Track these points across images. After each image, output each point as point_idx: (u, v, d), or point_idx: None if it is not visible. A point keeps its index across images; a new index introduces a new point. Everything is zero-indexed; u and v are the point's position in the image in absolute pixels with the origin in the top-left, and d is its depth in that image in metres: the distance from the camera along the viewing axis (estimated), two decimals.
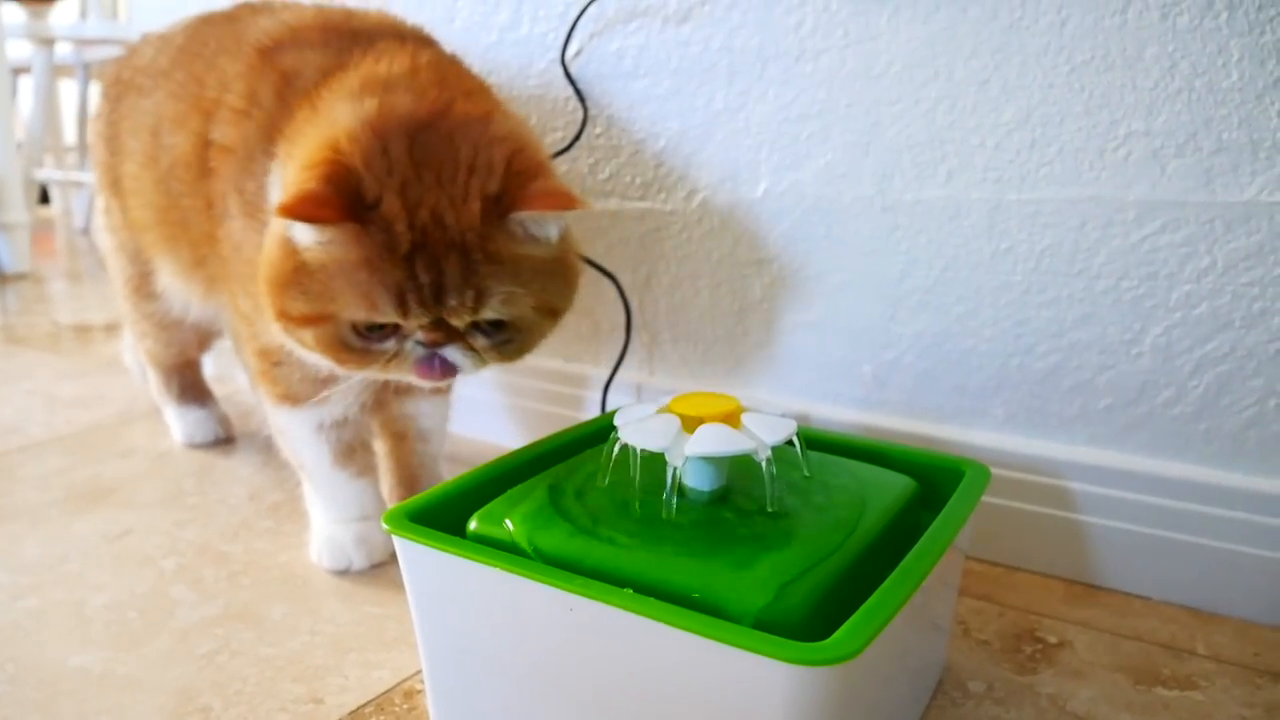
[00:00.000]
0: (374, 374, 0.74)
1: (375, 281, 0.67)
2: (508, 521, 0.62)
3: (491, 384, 1.27)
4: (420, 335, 0.71)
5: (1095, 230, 0.83)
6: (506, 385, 1.25)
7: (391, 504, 0.85)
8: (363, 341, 0.71)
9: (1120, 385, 0.85)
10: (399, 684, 0.73)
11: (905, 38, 0.88)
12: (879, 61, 0.90)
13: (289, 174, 0.73)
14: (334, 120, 0.72)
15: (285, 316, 0.71)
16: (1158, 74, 0.78)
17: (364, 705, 0.70)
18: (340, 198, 0.66)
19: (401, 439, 1.01)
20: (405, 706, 0.70)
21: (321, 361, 0.76)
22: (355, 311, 0.69)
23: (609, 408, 1.13)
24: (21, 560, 0.94)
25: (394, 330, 0.71)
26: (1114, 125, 0.81)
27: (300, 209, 0.65)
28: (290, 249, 0.70)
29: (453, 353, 0.72)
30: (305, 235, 0.69)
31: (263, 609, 0.84)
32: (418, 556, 0.62)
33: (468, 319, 0.70)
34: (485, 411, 1.28)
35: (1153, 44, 0.78)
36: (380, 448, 1.02)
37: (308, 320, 0.71)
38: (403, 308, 0.68)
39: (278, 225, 0.71)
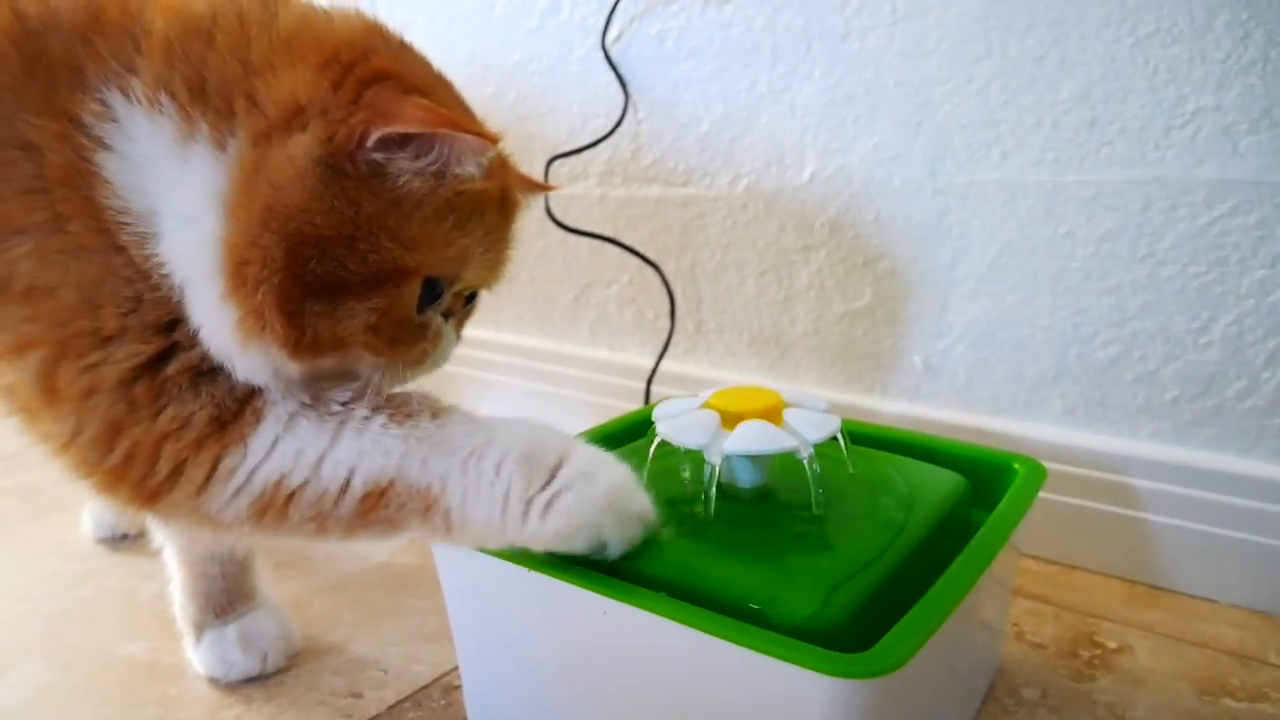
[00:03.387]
0: (408, 368, 0.58)
1: (473, 218, 0.54)
2: None
3: (532, 373, 1.26)
4: (448, 301, 0.58)
5: (1160, 213, 0.79)
6: (549, 375, 1.24)
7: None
8: (420, 314, 0.55)
9: (1187, 377, 0.81)
10: (438, 679, 0.72)
11: (956, 12, 0.85)
12: (929, 38, 0.87)
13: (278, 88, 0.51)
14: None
15: (321, 285, 0.50)
16: (1229, 45, 0.74)
17: (402, 700, 0.70)
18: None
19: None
20: (443, 702, 0.69)
21: (323, 365, 0.54)
22: (445, 263, 0.54)
23: (653, 398, 1.11)
24: (77, 549, 0.95)
25: (438, 296, 0.56)
26: (1181, 101, 0.77)
27: (456, 123, 0.50)
28: (347, 186, 0.50)
29: (449, 329, 0.60)
30: (407, 161, 0.51)
31: (306, 601, 0.84)
32: (453, 555, 0.61)
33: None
34: (527, 400, 1.27)
35: (1224, 12, 0.74)
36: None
37: (371, 284, 0.51)
38: (485, 255, 0.56)
39: (302, 154, 0.49)
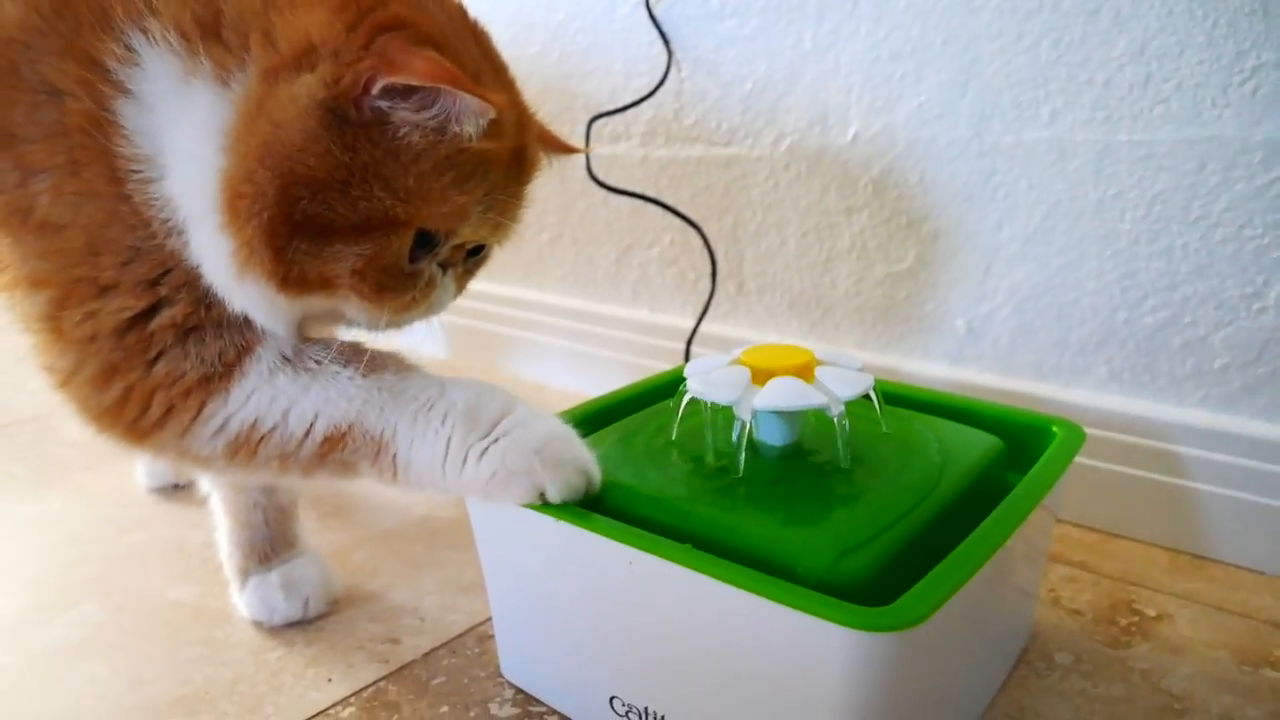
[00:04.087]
0: (394, 315, 0.57)
1: (474, 178, 0.54)
2: None
3: (573, 334, 1.27)
4: (446, 254, 0.58)
5: (1215, 174, 0.77)
6: (590, 335, 1.25)
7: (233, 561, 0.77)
8: (411, 264, 0.55)
9: (1239, 343, 0.79)
10: (472, 628, 0.74)
11: None
12: None
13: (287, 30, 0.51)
14: None
15: (309, 226, 0.51)
16: None
17: (437, 648, 0.71)
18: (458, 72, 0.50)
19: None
20: (477, 650, 0.71)
21: (318, 305, 0.56)
22: (438, 219, 0.54)
23: (694, 359, 1.11)
24: (131, 496, 0.99)
25: (434, 247, 0.56)
26: (1240, 57, 0.74)
27: (459, 80, 0.49)
28: (346, 131, 0.50)
29: (447, 280, 0.60)
30: (409, 113, 0.50)
31: (348, 551, 0.86)
32: (485, 506, 0.62)
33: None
34: (567, 360, 1.28)
35: None
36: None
37: (360, 230, 0.51)
38: (486, 214, 0.56)
39: (306, 94, 0.49)
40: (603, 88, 1.15)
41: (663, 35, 1.07)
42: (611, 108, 1.13)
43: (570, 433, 0.59)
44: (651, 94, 1.09)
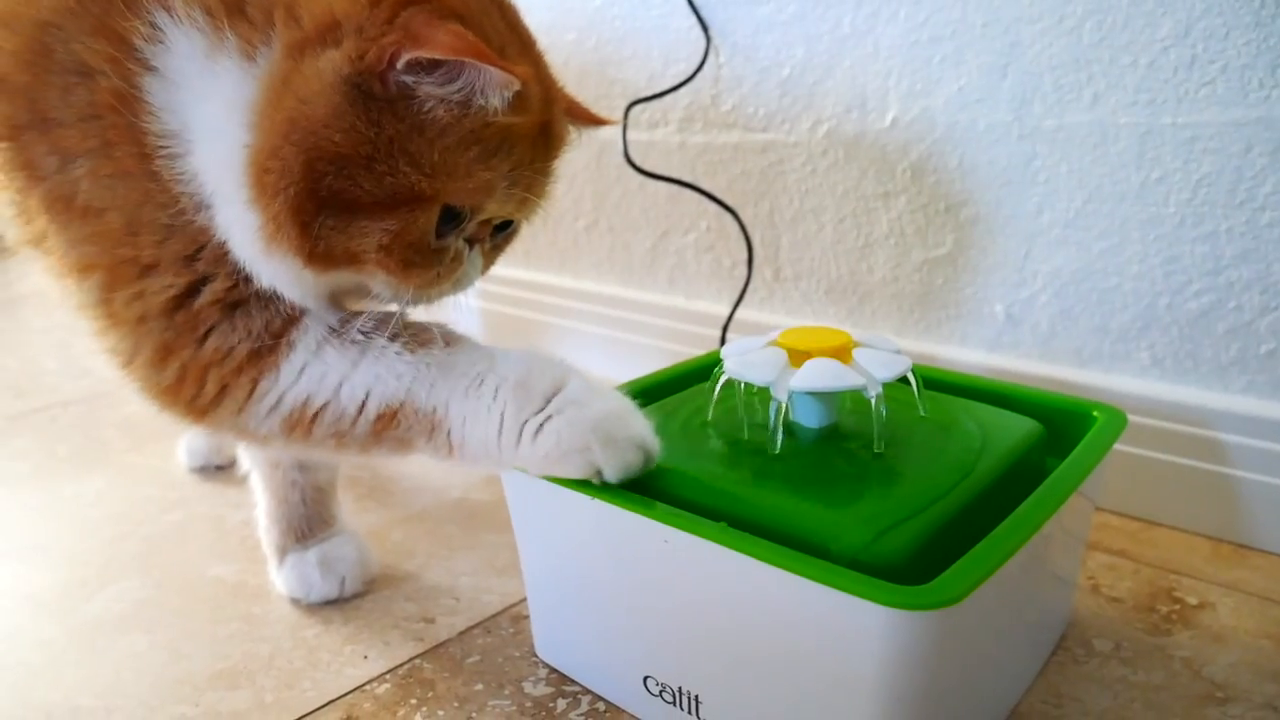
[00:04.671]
0: (421, 290, 0.57)
1: (499, 153, 0.54)
2: None
3: (609, 320, 1.27)
4: (472, 229, 0.58)
5: (1262, 156, 0.75)
6: (626, 322, 1.25)
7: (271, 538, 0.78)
8: (438, 239, 0.55)
9: None
10: (507, 608, 0.74)
11: None
12: None
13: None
14: None
15: (335, 201, 0.51)
16: None
17: (472, 627, 0.72)
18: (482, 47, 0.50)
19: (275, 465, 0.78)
20: (511, 630, 0.71)
21: (343, 280, 0.57)
22: (464, 194, 0.54)
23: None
24: (171, 476, 1.00)
25: (460, 223, 0.56)
26: None
27: (484, 53, 0.49)
28: (371, 106, 0.50)
29: (474, 256, 0.59)
30: (434, 87, 0.50)
31: (385, 531, 0.87)
32: (521, 485, 0.62)
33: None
34: (602, 346, 1.28)
35: None
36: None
37: (386, 206, 0.52)
38: (512, 190, 0.56)
39: (331, 70, 0.49)
40: (641, 73, 1.15)
41: (701, 21, 1.07)
42: (649, 93, 1.13)
43: (627, 406, 0.58)
44: (689, 80, 1.09)
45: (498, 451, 0.57)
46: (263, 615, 0.74)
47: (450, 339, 0.60)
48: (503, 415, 0.56)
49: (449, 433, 0.58)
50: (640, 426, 0.57)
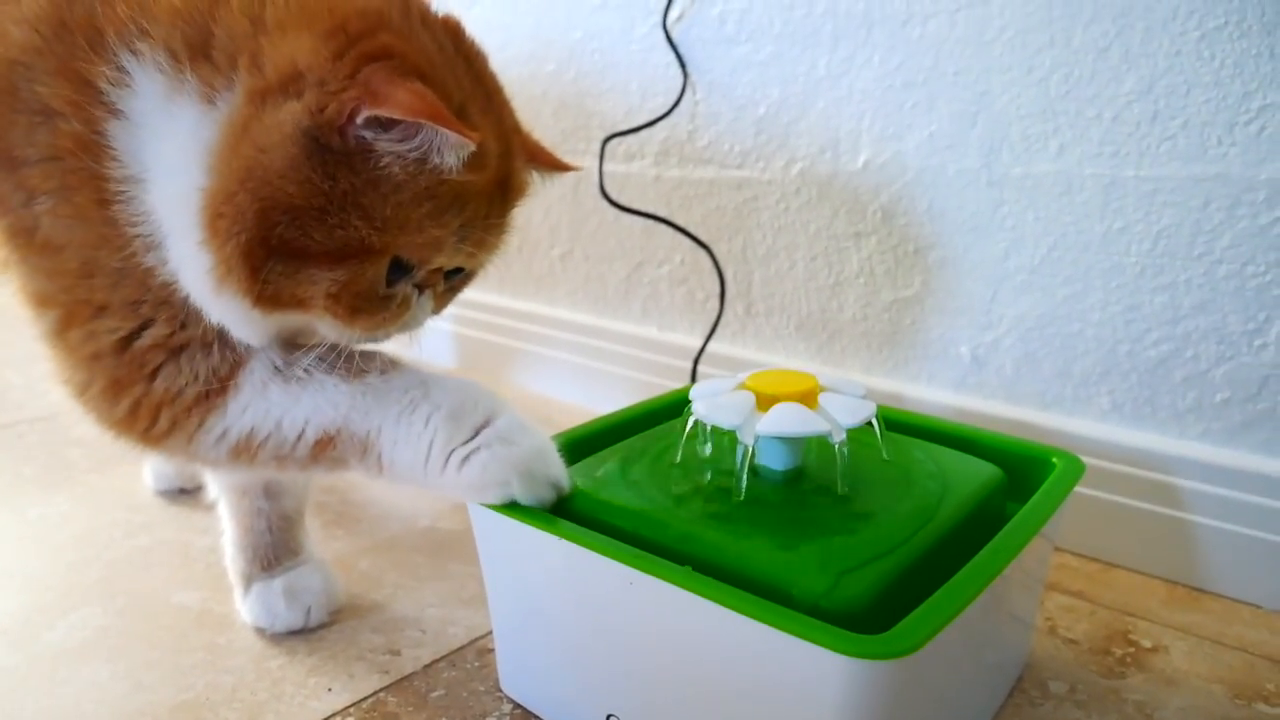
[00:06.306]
0: (366, 334, 0.59)
1: (451, 210, 0.54)
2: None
3: (582, 349, 1.28)
4: (422, 277, 0.58)
5: (1219, 211, 0.78)
6: (599, 351, 1.26)
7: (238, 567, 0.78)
8: (387, 287, 0.56)
9: (1240, 379, 0.80)
10: (473, 641, 0.74)
11: (1020, 1, 0.83)
12: (991, 26, 0.86)
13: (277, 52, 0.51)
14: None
15: (285, 249, 0.51)
16: None
17: (438, 660, 0.72)
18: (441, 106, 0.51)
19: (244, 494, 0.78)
20: (477, 664, 0.71)
21: (295, 320, 0.58)
22: (413, 248, 0.54)
23: (700, 378, 1.12)
24: (137, 499, 0.99)
25: (410, 271, 0.57)
26: (1246, 98, 0.75)
27: (441, 115, 0.50)
28: (328, 159, 0.50)
29: (424, 300, 0.60)
30: (391, 144, 0.51)
31: (352, 560, 0.87)
32: (489, 521, 0.62)
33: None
34: (574, 375, 1.28)
35: None
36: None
37: (335, 258, 0.52)
38: (461, 245, 0.57)
39: (291, 121, 0.50)
40: (618, 107, 1.16)
41: (679, 57, 1.08)
42: (626, 127, 1.14)
43: (549, 447, 0.61)
44: (666, 114, 1.10)
45: (424, 475, 0.60)
46: (227, 645, 0.74)
47: (387, 365, 0.63)
48: (431, 443, 0.59)
49: (380, 455, 0.60)
50: (557, 467, 0.61)
